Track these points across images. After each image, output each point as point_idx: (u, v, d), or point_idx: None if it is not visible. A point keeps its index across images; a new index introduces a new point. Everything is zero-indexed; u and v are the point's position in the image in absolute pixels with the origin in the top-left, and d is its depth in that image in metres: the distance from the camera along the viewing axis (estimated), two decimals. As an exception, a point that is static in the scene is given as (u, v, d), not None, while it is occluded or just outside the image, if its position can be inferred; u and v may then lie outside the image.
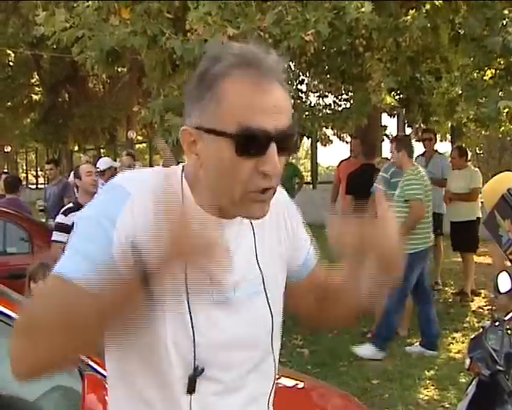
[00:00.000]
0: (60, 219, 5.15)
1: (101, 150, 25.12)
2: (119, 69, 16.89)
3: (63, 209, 5.28)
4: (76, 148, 26.47)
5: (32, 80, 23.55)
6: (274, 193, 1.21)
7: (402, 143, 5.92)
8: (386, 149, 8.17)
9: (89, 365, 2.43)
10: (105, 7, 6.56)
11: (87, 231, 1.18)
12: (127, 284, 1.06)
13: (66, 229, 4.94)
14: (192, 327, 1.20)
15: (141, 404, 1.25)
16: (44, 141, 23.28)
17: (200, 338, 1.21)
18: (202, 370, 1.21)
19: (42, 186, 20.53)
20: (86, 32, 6.48)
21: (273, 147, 1.15)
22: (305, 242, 1.48)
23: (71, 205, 5.26)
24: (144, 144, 24.87)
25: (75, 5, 6.76)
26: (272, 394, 1.39)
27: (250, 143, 1.14)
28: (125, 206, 1.17)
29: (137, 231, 1.12)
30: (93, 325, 1.10)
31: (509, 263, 2.86)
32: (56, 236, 5.08)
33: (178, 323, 1.19)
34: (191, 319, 1.20)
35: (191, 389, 1.22)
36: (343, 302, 1.44)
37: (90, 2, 6.61)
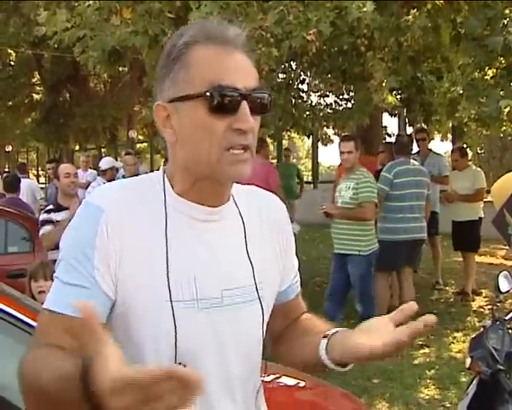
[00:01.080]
0: (43, 217, 5.17)
1: (102, 150, 25.13)
2: (120, 69, 16.87)
3: (45, 210, 5.30)
4: (77, 147, 26.47)
5: (34, 80, 23.52)
6: (252, 154, 1.22)
7: (358, 143, 5.92)
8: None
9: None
10: (106, 7, 6.56)
11: (70, 258, 1.18)
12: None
13: (52, 223, 5.07)
14: (175, 329, 1.18)
15: None
16: (45, 140, 23.27)
17: (182, 343, 1.19)
18: None
19: (43, 185, 20.50)
20: (87, 32, 6.47)
21: (244, 104, 1.18)
22: (292, 268, 1.46)
23: (51, 207, 5.27)
24: (145, 144, 24.87)
25: (76, 5, 6.76)
26: (259, 398, 1.36)
27: (222, 100, 1.16)
28: (99, 225, 1.17)
29: (111, 249, 1.16)
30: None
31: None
32: (43, 230, 5.09)
33: (161, 326, 1.18)
34: (175, 322, 1.18)
35: None
36: (294, 349, 1.42)
37: (91, 2, 6.60)
